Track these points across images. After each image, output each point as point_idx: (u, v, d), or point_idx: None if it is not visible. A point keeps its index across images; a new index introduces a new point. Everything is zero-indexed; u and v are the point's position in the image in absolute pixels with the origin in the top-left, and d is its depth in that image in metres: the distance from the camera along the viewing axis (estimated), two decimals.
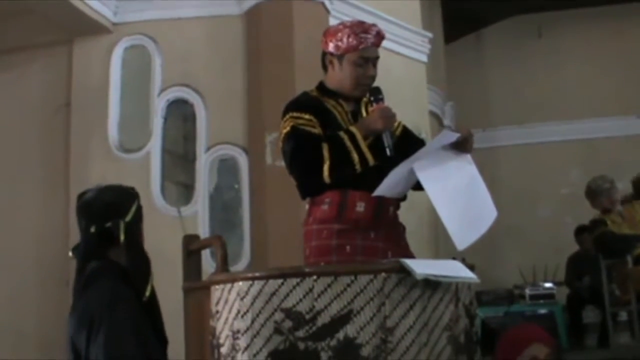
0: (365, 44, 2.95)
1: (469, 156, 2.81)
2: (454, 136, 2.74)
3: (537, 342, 2.72)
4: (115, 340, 2.26)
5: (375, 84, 3.03)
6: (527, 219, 9.56)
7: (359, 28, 2.97)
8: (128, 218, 2.53)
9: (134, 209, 2.57)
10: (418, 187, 2.77)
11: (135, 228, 2.55)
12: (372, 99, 2.96)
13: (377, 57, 3.03)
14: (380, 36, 3.01)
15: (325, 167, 2.80)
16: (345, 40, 2.95)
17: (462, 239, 2.60)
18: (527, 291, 8.09)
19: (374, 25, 3.03)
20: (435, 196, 2.65)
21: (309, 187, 2.96)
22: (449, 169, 2.73)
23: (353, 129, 2.86)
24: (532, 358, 2.64)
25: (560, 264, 8.44)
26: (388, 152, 2.83)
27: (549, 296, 8.07)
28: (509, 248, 9.43)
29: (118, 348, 2.25)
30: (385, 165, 2.76)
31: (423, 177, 2.67)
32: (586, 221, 8.18)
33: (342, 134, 2.85)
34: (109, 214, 2.53)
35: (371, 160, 2.83)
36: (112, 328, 2.27)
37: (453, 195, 2.69)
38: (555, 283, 8.25)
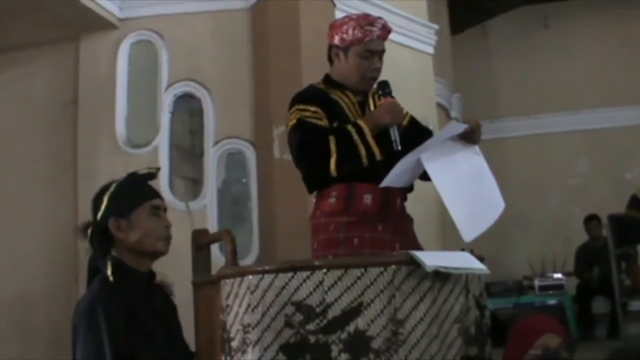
0: (370, 36, 2.94)
1: (476, 147, 2.79)
2: (461, 127, 2.72)
3: (549, 332, 2.71)
4: (89, 341, 2.26)
5: (382, 75, 3.02)
6: (536, 209, 9.56)
7: (365, 21, 2.97)
8: (98, 218, 2.48)
9: (104, 204, 2.48)
10: (425, 177, 2.75)
11: (108, 223, 2.46)
12: (380, 92, 2.95)
13: (383, 51, 3.01)
14: (386, 29, 3.00)
15: (332, 161, 2.79)
16: (350, 32, 2.94)
17: (469, 230, 2.58)
18: (536, 282, 8.10)
19: (380, 18, 3.02)
20: (442, 187, 2.63)
21: (316, 180, 2.96)
22: (456, 160, 2.72)
23: (360, 122, 2.85)
24: (545, 347, 2.63)
25: (569, 255, 8.46)
26: (395, 146, 2.81)
27: (558, 287, 8.07)
28: (518, 239, 9.43)
29: (90, 350, 2.26)
30: (392, 159, 2.74)
31: (431, 168, 2.65)
32: (594, 210, 8.21)
33: (349, 127, 2.84)
34: (93, 215, 2.52)
35: (378, 155, 2.82)
36: (87, 331, 2.27)
37: (461, 187, 2.67)
38: (564, 274, 8.26)
